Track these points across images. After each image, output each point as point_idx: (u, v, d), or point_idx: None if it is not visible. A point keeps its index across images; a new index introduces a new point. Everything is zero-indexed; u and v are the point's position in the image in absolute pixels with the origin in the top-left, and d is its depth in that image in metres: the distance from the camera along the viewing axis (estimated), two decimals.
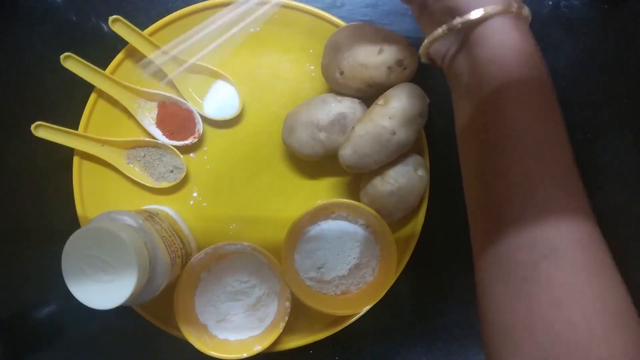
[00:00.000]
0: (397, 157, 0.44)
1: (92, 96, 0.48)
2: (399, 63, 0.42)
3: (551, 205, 0.27)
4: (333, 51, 0.44)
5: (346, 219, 0.47)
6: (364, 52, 0.42)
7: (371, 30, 0.42)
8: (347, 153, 0.42)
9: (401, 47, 0.42)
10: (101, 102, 0.48)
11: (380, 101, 0.42)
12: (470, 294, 0.32)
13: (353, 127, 0.42)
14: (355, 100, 0.45)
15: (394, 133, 0.41)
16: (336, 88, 0.45)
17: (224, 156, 0.50)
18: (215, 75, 0.50)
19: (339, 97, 0.45)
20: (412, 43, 0.43)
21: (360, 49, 0.42)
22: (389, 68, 0.42)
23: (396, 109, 0.40)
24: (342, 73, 0.43)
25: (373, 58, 0.42)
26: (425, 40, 0.35)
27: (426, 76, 0.45)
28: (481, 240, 0.31)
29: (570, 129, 0.50)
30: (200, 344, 0.45)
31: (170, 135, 0.49)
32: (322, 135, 0.44)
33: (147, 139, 0.49)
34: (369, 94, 0.44)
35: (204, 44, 0.43)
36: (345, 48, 0.42)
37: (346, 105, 0.44)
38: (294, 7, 0.48)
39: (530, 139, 0.29)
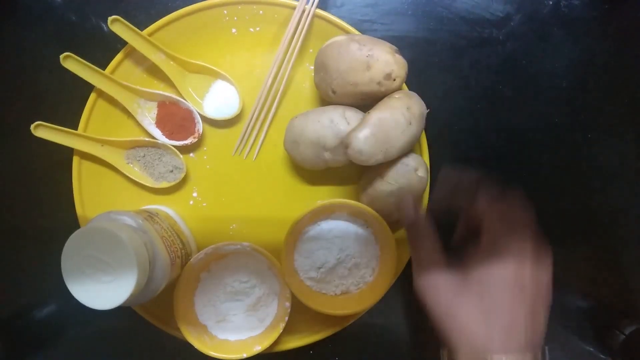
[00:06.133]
0: (402, 153, 0.43)
1: (92, 96, 0.48)
2: (388, 77, 0.42)
3: None
4: (322, 70, 0.44)
5: (346, 219, 0.47)
6: (351, 71, 0.42)
7: (355, 47, 0.42)
8: (364, 135, 0.40)
9: (388, 59, 0.42)
10: (101, 102, 0.48)
11: (397, 95, 0.43)
12: None
13: (368, 113, 0.41)
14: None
15: (410, 123, 0.41)
16: (332, 103, 0.45)
17: (224, 156, 0.50)
18: (215, 75, 0.50)
19: (347, 115, 0.44)
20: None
21: (347, 69, 0.42)
22: (379, 83, 0.42)
23: (411, 103, 0.42)
24: (334, 92, 0.43)
25: (361, 76, 0.42)
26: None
27: (425, 83, 0.46)
28: None
29: (570, 129, 0.51)
30: (200, 344, 0.45)
31: (170, 135, 0.49)
32: (327, 155, 0.44)
33: (146, 139, 0.48)
34: (366, 104, 0.44)
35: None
36: (332, 69, 0.43)
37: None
38: (294, 7, 0.48)
39: None
